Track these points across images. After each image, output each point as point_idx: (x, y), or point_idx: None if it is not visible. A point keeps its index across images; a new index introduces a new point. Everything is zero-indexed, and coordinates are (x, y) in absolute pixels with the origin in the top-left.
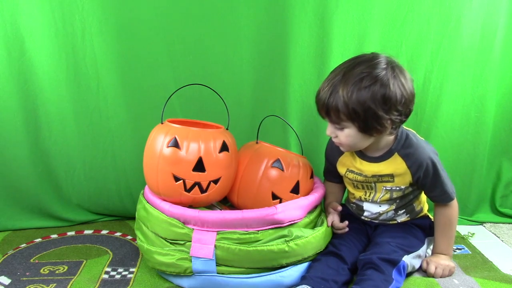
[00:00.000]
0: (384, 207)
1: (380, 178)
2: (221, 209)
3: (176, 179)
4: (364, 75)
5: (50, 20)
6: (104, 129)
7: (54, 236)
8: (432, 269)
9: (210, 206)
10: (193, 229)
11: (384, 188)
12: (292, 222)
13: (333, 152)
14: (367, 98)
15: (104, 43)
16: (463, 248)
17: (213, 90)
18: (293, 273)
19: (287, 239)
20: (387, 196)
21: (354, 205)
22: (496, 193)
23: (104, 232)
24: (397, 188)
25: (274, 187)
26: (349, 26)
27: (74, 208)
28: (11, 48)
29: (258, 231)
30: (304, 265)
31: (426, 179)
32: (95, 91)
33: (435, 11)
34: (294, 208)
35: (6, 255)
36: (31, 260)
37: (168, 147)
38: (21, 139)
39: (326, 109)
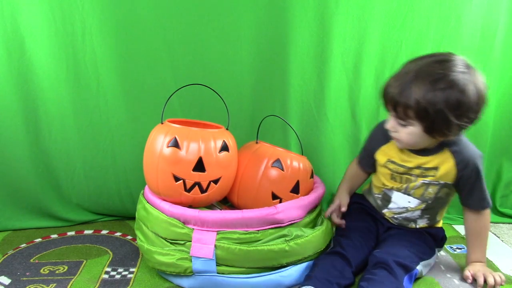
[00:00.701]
0: (413, 204)
1: (423, 172)
2: (221, 209)
3: (176, 179)
4: (441, 76)
5: (50, 19)
6: (104, 129)
7: (54, 236)
8: (492, 281)
9: (210, 206)
10: (193, 229)
11: (423, 181)
12: (292, 221)
13: (377, 140)
14: (441, 100)
15: (104, 43)
16: (463, 248)
17: (213, 90)
18: (293, 272)
19: (287, 238)
20: (421, 190)
21: (379, 196)
22: (496, 193)
23: (104, 232)
24: (435, 183)
25: (274, 187)
26: (349, 26)
27: (74, 208)
28: (11, 48)
29: (258, 231)
30: (304, 265)
31: (469, 179)
32: (95, 91)
33: (435, 11)
34: (294, 208)
35: (6, 255)
36: (31, 260)
37: (168, 147)
38: (21, 139)
39: (395, 104)
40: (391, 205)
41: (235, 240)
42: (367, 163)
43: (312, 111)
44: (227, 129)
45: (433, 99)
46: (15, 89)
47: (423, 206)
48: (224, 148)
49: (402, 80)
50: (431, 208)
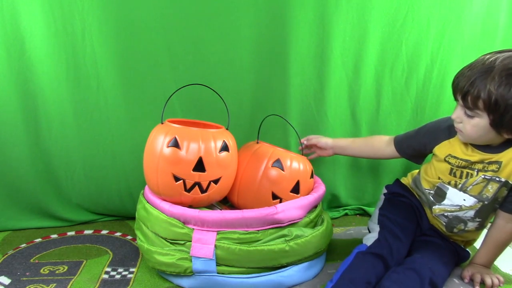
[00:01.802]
0: (468, 202)
1: (486, 165)
2: (221, 209)
3: (176, 179)
4: None
5: (50, 20)
6: (104, 129)
7: (54, 236)
8: (489, 282)
9: (210, 206)
10: (193, 229)
11: (483, 176)
12: (292, 221)
13: (439, 133)
14: None
15: (104, 43)
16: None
17: (213, 90)
18: (293, 273)
19: (287, 238)
20: (480, 187)
21: (431, 191)
22: None
23: (104, 232)
24: (496, 179)
25: (274, 187)
26: (349, 26)
27: (74, 208)
28: (11, 48)
29: (258, 231)
30: (304, 265)
31: None
32: (95, 91)
33: (435, 11)
34: (294, 208)
35: (6, 255)
36: (31, 260)
37: (168, 147)
38: (21, 139)
39: (464, 93)
40: (445, 202)
41: (235, 240)
42: (409, 150)
43: (312, 111)
44: (227, 129)
45: (507, 93)
46: (15, 89)
47: (478, 206)
48: (224, 148)
49: (477, 70)
50: (485, 211)
